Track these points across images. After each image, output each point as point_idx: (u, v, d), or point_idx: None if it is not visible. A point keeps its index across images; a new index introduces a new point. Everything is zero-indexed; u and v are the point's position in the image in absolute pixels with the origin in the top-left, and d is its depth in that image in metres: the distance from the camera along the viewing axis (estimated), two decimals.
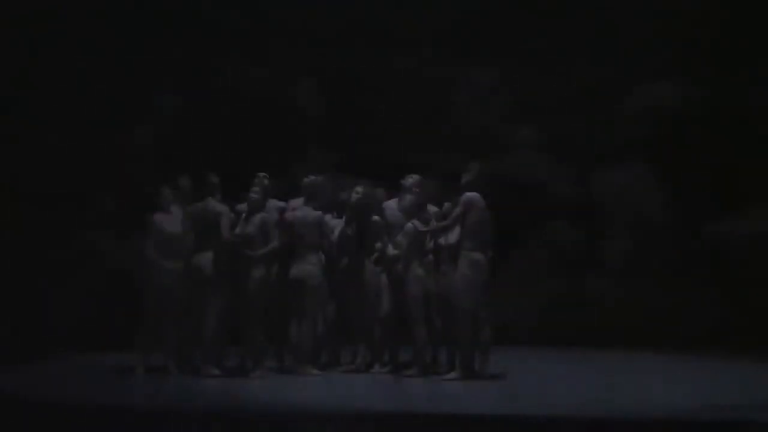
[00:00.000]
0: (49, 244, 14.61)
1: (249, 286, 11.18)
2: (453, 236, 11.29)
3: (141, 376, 11.33)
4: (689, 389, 10.81)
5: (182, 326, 11.56)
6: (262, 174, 11.80)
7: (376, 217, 11.77)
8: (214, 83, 16.10)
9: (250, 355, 11.35)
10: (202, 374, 11.22)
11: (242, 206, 11.57)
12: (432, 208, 11.69)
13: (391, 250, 11.66)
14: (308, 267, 11.39)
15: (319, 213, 11.58)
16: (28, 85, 14.92)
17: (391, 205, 11.91)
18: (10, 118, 14.67)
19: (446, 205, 11.63)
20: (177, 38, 15.75)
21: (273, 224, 11.55)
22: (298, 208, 11.65)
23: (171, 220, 11.60)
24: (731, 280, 15.54)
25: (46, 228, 14.73)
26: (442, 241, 11.52)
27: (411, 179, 11.72)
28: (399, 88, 16.77)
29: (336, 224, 11.97)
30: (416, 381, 11.21)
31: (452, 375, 11.16)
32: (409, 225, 11.44)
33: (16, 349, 12.60)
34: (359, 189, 11.87)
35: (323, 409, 9.20)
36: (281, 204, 11.87)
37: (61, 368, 12.06)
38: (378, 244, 11.76)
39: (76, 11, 15.10)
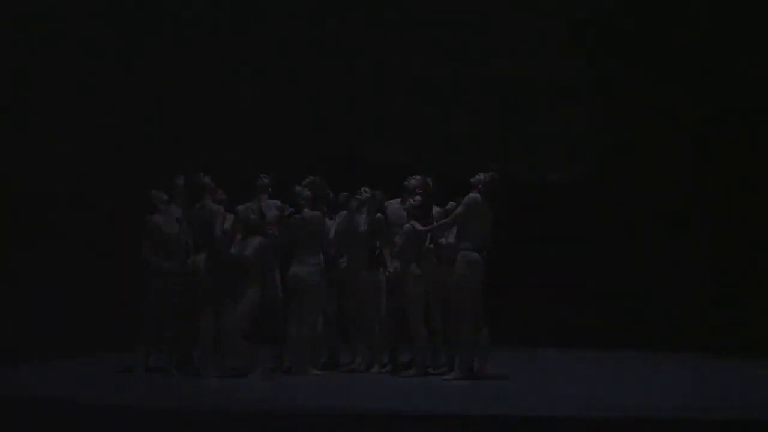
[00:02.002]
0: (48, 244, 14.62)
1: (240, 303, 11.16)
2: (452, 236, 11.32)
3: (141, 376, 11.33)
4: (688, 389, 10.83)
5: (182, 326, 11.58)
6: (261, 174, 11.83)
7: (379, 215, 11.79)
8: (213, 83, 16.11)
9: (241, 360, 11.32)
10: (202, 374, 11.23)
11: (241, 207, 11.58)
12: (434, 208, 11.72)
13: (387, 255, 11.69)
14: (308, 267, 11.39)
15: (319, 213, 11.58)
16: (28, 85, 14.93)
17: (393, 205, 11.92)
18: (10, 119, 14.67)
19: (450, 203, 11.64)
20: (176, 38, 15.76)
21: (272, 220, 11.55)
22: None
23: (167, 221, 11.61)
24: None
25: (46, 228, 14.74)
26: (442, 240, 11.54)
27: (414, 180, 11.73)
28: (399, 87, 16.78)
29: (331, 224, 11.98)
30: (416, 381, 11.21)
31: (452, 375, 11.17)
32: (408, 225, 11.45)
33: (16, 349, 12.60)
34: (367, 189, 11.88)
35: (323, 409, 9.20)
36: (278, 203, 11.87)
37: (61, 368, 12.06)
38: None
39: (76, 11, 15.11)
